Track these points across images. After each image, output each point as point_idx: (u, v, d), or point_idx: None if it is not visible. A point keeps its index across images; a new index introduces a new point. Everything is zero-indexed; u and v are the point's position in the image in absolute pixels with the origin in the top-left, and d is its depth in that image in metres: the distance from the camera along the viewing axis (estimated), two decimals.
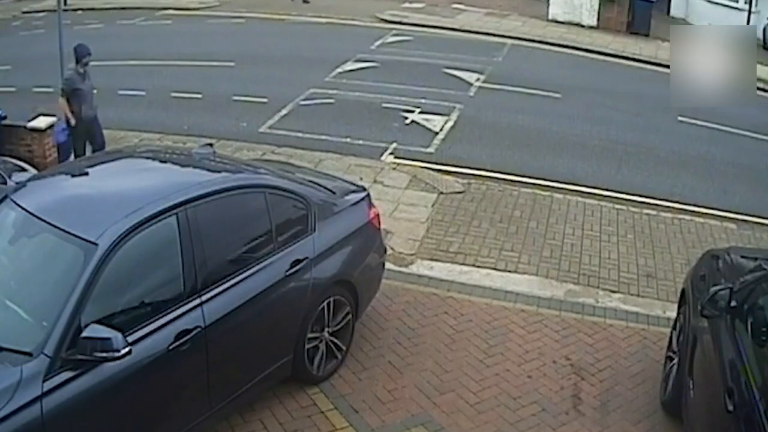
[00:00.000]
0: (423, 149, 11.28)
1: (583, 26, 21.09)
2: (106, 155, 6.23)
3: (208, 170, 5.60)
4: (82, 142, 9.84)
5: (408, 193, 9.56)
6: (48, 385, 3.99)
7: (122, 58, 15.30)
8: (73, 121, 9.47)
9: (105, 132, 11.23)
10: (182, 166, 5.79)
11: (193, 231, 4.82)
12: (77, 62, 9.48)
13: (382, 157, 10.85)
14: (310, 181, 6.20)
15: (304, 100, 13.24)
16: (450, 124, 12.41)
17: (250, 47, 16.91)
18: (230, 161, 6.40)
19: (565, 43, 19.10)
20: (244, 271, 5.15)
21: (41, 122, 9.21)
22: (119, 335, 4.11)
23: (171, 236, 4.74)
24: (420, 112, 12.73)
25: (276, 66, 15.36)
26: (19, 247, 4.87)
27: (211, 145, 6.12)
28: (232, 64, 15.27)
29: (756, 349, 4.48)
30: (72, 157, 9.74)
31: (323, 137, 11.42)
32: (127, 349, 4.14)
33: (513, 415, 5.75)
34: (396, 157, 10.88)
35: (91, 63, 9.64)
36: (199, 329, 4.73)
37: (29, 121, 9.27)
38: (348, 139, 11.40)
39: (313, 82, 14.10)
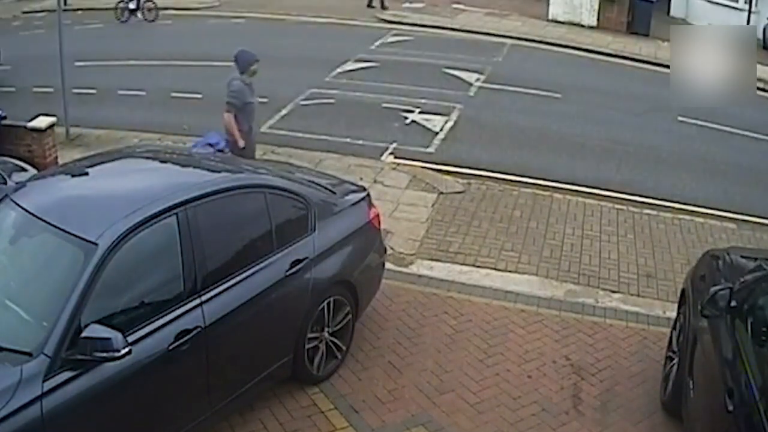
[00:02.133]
0: (423, 149, 11.28)
1: (583, 26, 21.10)
2: (106, 155, 6.22)
3: (208, 170, 5.61)
4: None
5: (408, 193, 9.55)
6: (48, 385, 3.99)
7: (122, 58, 15.32)
8: (242, 143, 7.91)
9: (105, 132, 11.31)
10: (182, 166, 5.79)
11: (193, 231, 4.82)
12: (242, 71, 8.18)
13: (382, 157, 10.85)
14: (310, 181, 6.20)
15: (304, 100, 13.23)
16: (450, 124, 12.41)
17: (250, 47, 16.85)
18: (230, 161, 6.40)
19: (565, 43, 19.10)
20: (244, 271, 5.15)
21: (41, 122, 9.20)
22: (119, 335, 4.11)
23: (171, 236, 4.74)
24: (420, 112, 12.73)
25: (276, 66, 15.27)
26: (19, 247, 4.87)
27: (211, 145, 6.12)
28: (231, 64, 15.22)
29: (756, 349, 4.48)
30: None
31: (323, 137, 11.42)
32: (127, 349, 4.14)
33: (513, 415, 5.75)
34: (396, 157, 10.87)
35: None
36: (199, 329, 4.73)
37: (29, 121, 9.26)
38: (348, 139, 11.39)
39: (313, 82, 14.10)
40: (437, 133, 11.94)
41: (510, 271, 7.87)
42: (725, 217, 9.70)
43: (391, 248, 7.84)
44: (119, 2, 19.69)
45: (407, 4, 22.39)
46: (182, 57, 15.56)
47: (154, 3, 19.70)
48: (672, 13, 23.77)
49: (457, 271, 7.77)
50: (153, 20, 19.45)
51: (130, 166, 5.66)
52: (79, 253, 4.35)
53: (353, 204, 6.29)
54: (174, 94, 13.26)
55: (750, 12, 21.06)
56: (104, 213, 4.61)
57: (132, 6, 19.54)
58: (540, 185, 10.18)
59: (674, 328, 6.17)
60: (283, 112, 12.62)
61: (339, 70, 15.11)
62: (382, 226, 6.86)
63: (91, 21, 19.14)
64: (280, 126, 12.00)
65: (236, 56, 8.33)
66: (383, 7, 21.50)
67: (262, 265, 5.27)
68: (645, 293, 7.69)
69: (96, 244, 4.36)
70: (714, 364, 4.76)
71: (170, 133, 11.20)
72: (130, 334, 4.30)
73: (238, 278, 5.09)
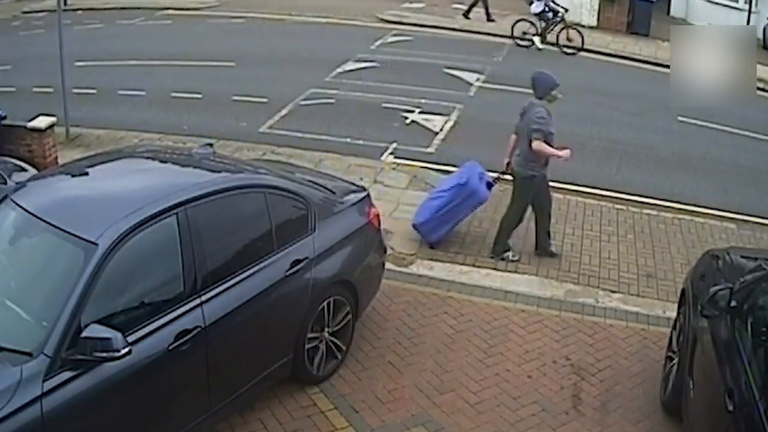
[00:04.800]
0: (423, 149, 11.27)
1: (583, 26, 21.06)
2: (106, 155, 6.22)
3: (208, 170, 5.60)
4: (525, 205, 7.76)
5: (408, 193, 9.55)
6: (48, 385, 4.00)
7: (122, 58, 15.30)
8: (542, 171, 7.66)
9: (105, 132, 11.31)
10: (182, 166, 5.79)
11: (193, 231, 4.83)
12: (542, 96, 7.47)
13: (382, 157, 10.85)
14: (310, 181, 6.20)
15: (304, 100, 13.23)
16: (450, 124, 12.40)
17: (250, 47, 16.89)
18: (230, 161, 6.40)
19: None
20: (244, 271, 5.15)
21: (41, 122, 9.20)
22: (119, 335, 4.12)
23: (171, 236, 4.74)
24: (420, 112, 12.73)
25: (276, 66, 15.35)
26: (19, 247, 4.87)
27: (211, 145, 6.12)
28: (232, 64, 15.26)
29: (756, 349, 4.48)
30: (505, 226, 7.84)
31: (323, 137, 11.41)
32: (127, 349, 4.14)
33: (513, 415, 5.75)
34: (396, 157, 10.87)
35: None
36: (199, 329, 4.73)
37: (29, 121, 9.26)
38: (348, 139, 11.39)
39: (313, 82, 14.09)
40: (437, 133, 11.94)
41: (510, 271, 7.87)
42: (725, 217, 9.70)
43: (391, 248, 7.84)
44: (519, 20, 17.67)
45: (407, 4, 22.37)
46: (182, 57, 15.55)
47: (579, 33, 16.99)
48: (672, 13, 23.75)
49: (457, 271, 7.77)
50: (572, 54, 17.20)
51: (130, 166, 5.67)
52: (79, 253, 4.36)
53: (353, 204, 6.29)
54: (174, 94, 13.25)
55: (750, 12, 21.04)
56: (104, 213, 4.61)
57: (542, 26, 17.25)
58: None
59: (674, 328, 6.17)
60: (283, 112, 12.61)
61: (339, 70, 15.10)
62: (382, 226, 6.86)
63: (91, 21, 19.13)
64: (280, 126, 12.00)
65: (534, 78, 7.56)
66: (489, 20, 20.50)
67: (262, 265, 5.28)
68: (645, 293, 7.69)
69: (96, 244, 4.36)
70: (714, 364, 4.76)
71: (170, 133, 11.19)
72: (130, 334, 4.31)
73: (238, 278, 5.09)
